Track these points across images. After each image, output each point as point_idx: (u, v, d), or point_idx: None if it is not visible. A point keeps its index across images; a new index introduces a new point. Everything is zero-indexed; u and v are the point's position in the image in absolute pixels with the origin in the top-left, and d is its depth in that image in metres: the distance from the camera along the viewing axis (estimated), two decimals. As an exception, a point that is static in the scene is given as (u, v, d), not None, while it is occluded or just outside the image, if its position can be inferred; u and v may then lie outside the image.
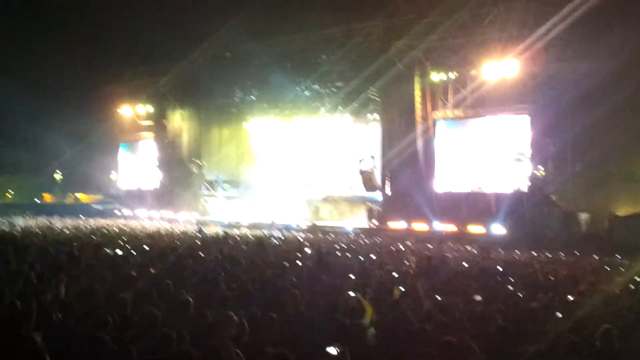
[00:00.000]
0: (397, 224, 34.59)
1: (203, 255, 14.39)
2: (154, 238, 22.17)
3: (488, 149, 33.23)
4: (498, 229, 30.96)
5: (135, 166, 51.51)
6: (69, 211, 45.39)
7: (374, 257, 16.74)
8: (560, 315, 8.18)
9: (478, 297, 9.20)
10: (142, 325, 6.62)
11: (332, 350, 5.53)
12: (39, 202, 63.80)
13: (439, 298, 8.51)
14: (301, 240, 24.40)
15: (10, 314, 6.76)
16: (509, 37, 30.78)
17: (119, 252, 14.60)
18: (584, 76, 30.45)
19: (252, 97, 46.00)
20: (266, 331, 6.87)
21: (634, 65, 30.75)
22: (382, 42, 35.06)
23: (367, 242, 26.52)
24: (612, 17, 30.71)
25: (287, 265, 12.66)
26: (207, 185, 47.61)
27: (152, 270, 11.22)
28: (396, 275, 11.88)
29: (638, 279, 13.18)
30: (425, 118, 34.69)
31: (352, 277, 10.83)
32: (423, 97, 34.44)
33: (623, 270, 16.39)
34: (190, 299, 7.61)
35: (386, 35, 34.90)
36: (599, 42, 30.54)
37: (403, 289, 9.17)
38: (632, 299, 9.86)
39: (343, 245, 22.71)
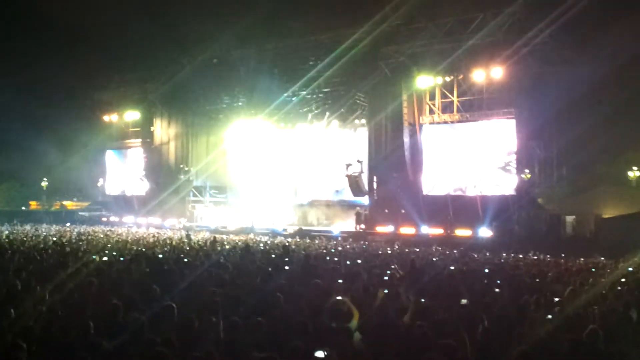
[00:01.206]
0: (384, 228, 34.63)
1: (187, 261, 14.33)
2: (141, 244, 22.08)
3: (475, 153, 33.34)
4: (485, 232, 31.08)
5: (123, 173, 51.32)
6: (55, 218, 45.15)
7: (360, 261, 16.75)
8: (546, 316, 8.21)
9: (464, 301, 9.22)
10: (129, 330, 6.61)
11: (319, 354, 5.54)
12: (25, 209, 63.31)
13: (423, 300, 8.51)
14: (288, 244, 24.36)
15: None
16: (495, 42, 30.96)
17: (105, 258, 14.51)
18: (570, 81, 30.71)
19: (240, 103, 45.97)
20: (253, 335, 6.86)
21: (620, 71, 31.09)
22: (369, 48, 35.14)
23: (354, 246, 26.51)
24: (599, 23, 31.02)
25: (274, 269, 12.63)
26: (194, 191, 47.50)
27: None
28: (385, 279, 11.89)
29: (624, 280, 13.28)
30: (412, 123, 34.80)
31: (340, 281, 10.82)
32: (410, 102, 34.58)
33: (609, 271, 16.48)
34: (174, 305, 7.58)
35: (373, 41, 34.97)
36: (585, 48, 30.83)
37: (387, 291, 9.17)
38: (617, 300, 9.91)
39: (330, 249, 22.74)
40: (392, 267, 14.84)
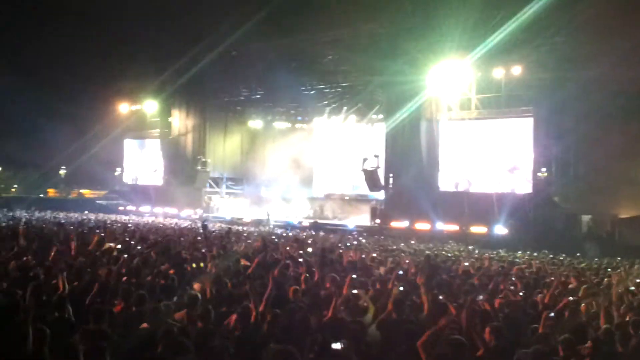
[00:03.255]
0: (399, 223, 34.66)
1: (203, 251, 14.43)
2: (158, 234, 22.22)
3: (492, 151, 33.29)
4: (500, 230, 31.02)
5: (140, 162, 51.68)
6: (73, 206, 45.56)
7: (375, 255, 16.80)
8: (560, 316, 8.23)
9: (481, 297, 9.25)
10: (149, 319, 6.71)
11: (336, 346, 5.61)
12: (43, 196, 63.88)
13: (440, 297, 8.55)
14: (304, 237, 24.46)
15: (15, 307, 6.86)
16: (515, 40, 30.78)
17: (119, 246, 14.62)
18: (589, 79, 30.50)
19: (258, 95, 46.10)
20: (270, 327, 6.94)
21: (639, 69, 30.77)
22: (387, 43, 35.13)
23: (370, 240, 26.55)
24: (619, 22, 30.70)
25: (289, 262, 12.71)
26: (211, 182, 47.74)
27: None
28: (400, 273, 11.93)
29: (639, 281, 13.24)
30: (429, 119, 34.74)
31: (354, 276, 10.86)
32: (427, 98, 34.44)
33: (625, 271, 16.42)
34: (199, 295, 7.69)
35: (391, 36, 34.96)
36: (605, 47, 30.55)
37: (402, 288, 9.21)
38: (632, 300, 9.89)
39: (345, 243, 22.80)
40: (407, 261, 14.91)
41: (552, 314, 8.01)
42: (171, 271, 10.44)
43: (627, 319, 8.02)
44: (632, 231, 30.64)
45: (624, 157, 34.86)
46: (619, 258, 22.57)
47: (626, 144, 33.63)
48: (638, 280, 13.32)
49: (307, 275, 10.54)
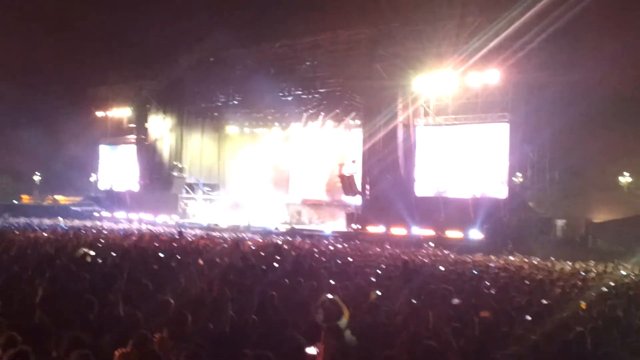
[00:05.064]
0: (376, 229, 34.71)
1: (179, 258, 14.35)
2: (133, 240, 22.05)
3: (468, 156, 33.44)
4: (476, 235, 31.18)
5: (116, 168, 51.27)
6: (47, 213, 45.05)
7: (351, 259, 16.81)
8: (535, 319, 8.29)
9: (456, 301, 9.29)
10: (124, 326, 6.64)
11: (310, 351, 5.59)
12: (17, 203, 63.09)
13: (414, 302, 8.57)
14: (280, 243, 24.40)
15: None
16: (491, 46, 31.03)
17: (92, 252, 14.46)
18: (564, 86, 30.90)
19: (235, 101, 45.97)
20: (246, 333, 6.91)
21: (613, 77, 31.26)
22: (366, 49, 35.30)
23: (346, 245, 26.55)
24: (593, 30, 31.17)
25: (266, 268, 12.67)
26: (187, 188, 47.51)
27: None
28: (373, 280, 11.94)
29: (612, 284, 13.39)
30: (406, 124, 34.83)
31: (332, 282, 10.85)
32: (405, 103, 34.57)
33: (597, 275, 16.61)
34: (171, 300, 7.62)
35: (370, 42, 35.12)
36: (580, 54, 30.97)
37: (379, 293, 9.23)
38: (605, 303, 10.01)
39: (321, 248, 22.78)
40: (383, 266, 14.93)
41: (528, 317, 8.07)
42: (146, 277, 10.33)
43: (600, 322, 8.10)
44: (605, 235, 31.04)
45: (598, 163, 35.39)
46: (592, 262, 22.83)
47: (600, 150, 34.12)
48: (612, 284, 13.47)
49: (284, 280, 10.53)
